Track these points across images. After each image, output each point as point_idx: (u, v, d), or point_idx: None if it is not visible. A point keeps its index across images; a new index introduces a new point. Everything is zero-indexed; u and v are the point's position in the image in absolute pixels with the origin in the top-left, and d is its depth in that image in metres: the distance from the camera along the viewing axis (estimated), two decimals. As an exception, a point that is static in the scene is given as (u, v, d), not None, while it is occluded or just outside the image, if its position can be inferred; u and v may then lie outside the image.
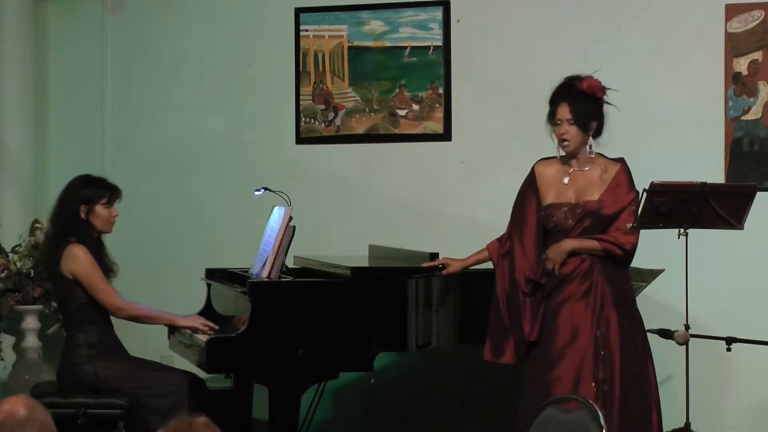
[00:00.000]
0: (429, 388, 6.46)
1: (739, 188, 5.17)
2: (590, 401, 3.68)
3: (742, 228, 4.96)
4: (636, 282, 5.34)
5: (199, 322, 5.33)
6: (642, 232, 4.95)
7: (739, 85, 6.13)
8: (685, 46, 6.21)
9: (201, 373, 5.27)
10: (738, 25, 6.13)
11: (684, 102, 6.21)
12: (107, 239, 5.51)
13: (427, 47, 6.61)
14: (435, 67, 6.59)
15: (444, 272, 5.15)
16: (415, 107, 6.63)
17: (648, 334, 5.01)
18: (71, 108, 7.22)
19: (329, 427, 6.52)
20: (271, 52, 6.87)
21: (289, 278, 5.32)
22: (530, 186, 5.10)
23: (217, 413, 3.09)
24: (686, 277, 4.93)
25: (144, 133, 7.08)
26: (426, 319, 5.10)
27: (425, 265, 5.15)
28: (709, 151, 6.15)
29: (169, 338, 5.70)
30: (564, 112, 4.96)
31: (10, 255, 6.59)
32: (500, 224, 5.21)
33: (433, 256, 5.21)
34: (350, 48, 6.73)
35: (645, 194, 4.77)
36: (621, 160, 5.06)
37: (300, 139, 6.82)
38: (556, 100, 5.00)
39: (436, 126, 6.60)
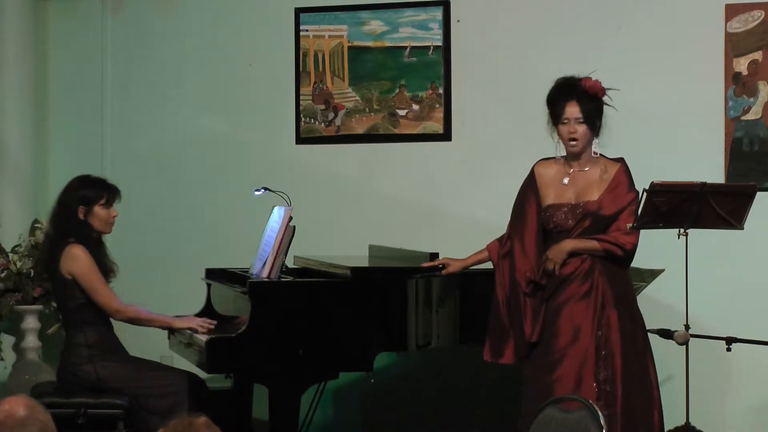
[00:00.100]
0: (429, 388, 6.47)
1: (739, 188, 5.17)
2: (590, 401, 3.68)
3: (742, 228, 4.96)
4: (636, 282, 5.34)
5: (196, 323, 5.32)
6: (642, 232, 4.95)
7: (739, 85, 6.13)
8: (685, 46, 6.21)
9: (201, 373, 5.27)
10: (738, 25, 6.13)
11: (684, 102, 6.21)
12: (107, 239, 5.51)
13: (427, 47, 6.61)
14: (435, 67, 6.59)
15: (444, 272, 5.15)
16: (415, 107, 6.63)
17: (648, 334, 5.02)
18: (71, 108, 7.22)
19: (329, 427, 6.52)
20: (271, 52, 6.87)
21: (289, 278, 5.32)
22: (530, 187, 5.09)
23: (217, 413, 3.09)
24: (686, 277, 4.93)
25: (144, 132, 7.08)
26: (426, 319, 5.10)
27: (425, 265, 5.15)
28: (709, 151, 6.15)
29: (169, 338, 5.70)
30: (573, 111, 4.96)
31: (10, 255, 6.59)
32: (500, 224, 5.21)
33: (433, 256, 5.21)
34: (350, 48, 6.73)
35: (645, 194, 4.77)
36: (621, 160, 5.06)
37: (300, 139, 6.82)
38: (562, 99, 4.98)
39: (436, 126, 6.60)
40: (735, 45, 6.14)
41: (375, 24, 6.69)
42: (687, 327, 5.02)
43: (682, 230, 4.91)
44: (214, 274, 5.87)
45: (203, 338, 5.08)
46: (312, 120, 6.79)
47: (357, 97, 6.72)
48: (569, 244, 4.94)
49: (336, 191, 6.76)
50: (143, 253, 6.92)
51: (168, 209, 7.01)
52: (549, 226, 5.03)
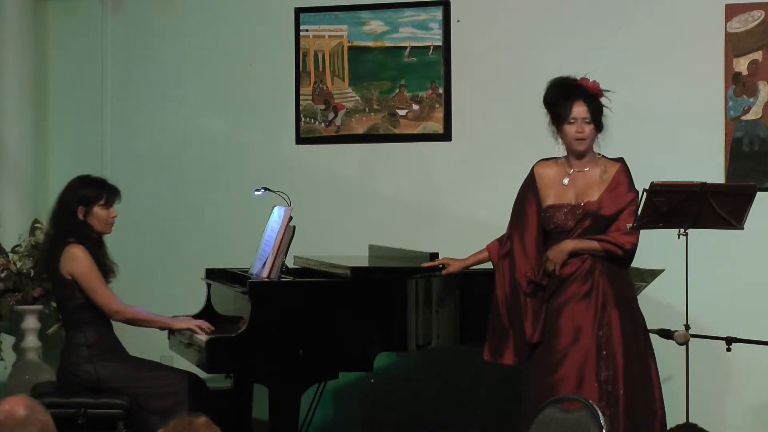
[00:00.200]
0: (429, 388, 6.46)
1: (739, 188, 5.17)
2: (590, 401, 3.68)
3: (742, 228, 4.95)
4: (636, 282, 5.34)
5: (194, 324, 5.32)
6: (642, 232, 4.95)
7: (739, 85, 6.13)
8: (685, 46, 6.21)
9: (201, 373, 5.27)
10: (738, 25, 6.13)
11: (684, 102, 6.20)
12: (107, 239, 5.51)
13: (427, 47, 6.61)
14: (435, 67, 6.59)
15: (444, 272, 5.15)
16: (415, 107, 6.63)
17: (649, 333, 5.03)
18: (71, 108, 7.22)
19: (329, 427, 6.52)
20: (271, 52, 6.87)
21: (289, 278, 5.32)
22: (530, 187, 5.09)
23: (217, 413, 3.09)
24: (686, 277, 4.93)
25: (144, 133, 7.08)
26: (426, 319, 5.10)
27: (425, 265, 5.15)
28: (709, 151, 6.15)
29: (169, 338, 5.70)
30: (582, 110, 4.97)
31: (10, 255, 6.59)
32: (500, 224, 5.21)
33: (433, 256, 5.21)
34: (350, 48, 6.73)
35: (645, 194, 4.77)
36: (621, 160, 5.06)
37: (300, 139, 6.82)
38: (568, 99, 4.98)
39: (436, 126, 6.60)
40: (735, 45, 6.14)
41: (375, 24, 6.69)
42: (687, 327, 5.02)
43: (682, 230, 4.91)
44: (214, 274, 5.86)
45: (203, 338, 5.08)
46: (312, 120, 6.79)
47: (357, 97, 6.72)
48: (569, 245, 4.94)
49: (336, 191, 6.76)
50: (143, 253, 6.92)
51: (168, 209, 7.01)
52: (549, 226, 5.03)
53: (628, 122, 5.86)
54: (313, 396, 5.86)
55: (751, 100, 6.12)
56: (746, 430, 6.12)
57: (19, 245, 6.63)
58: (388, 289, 5.02)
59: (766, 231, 5.86)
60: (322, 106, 6.77)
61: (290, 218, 5.29)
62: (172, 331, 5.57)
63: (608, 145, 5.08)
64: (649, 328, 5.04)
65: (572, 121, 4.98)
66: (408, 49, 6.64)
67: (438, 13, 6.57)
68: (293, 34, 6.81)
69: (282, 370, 4.93)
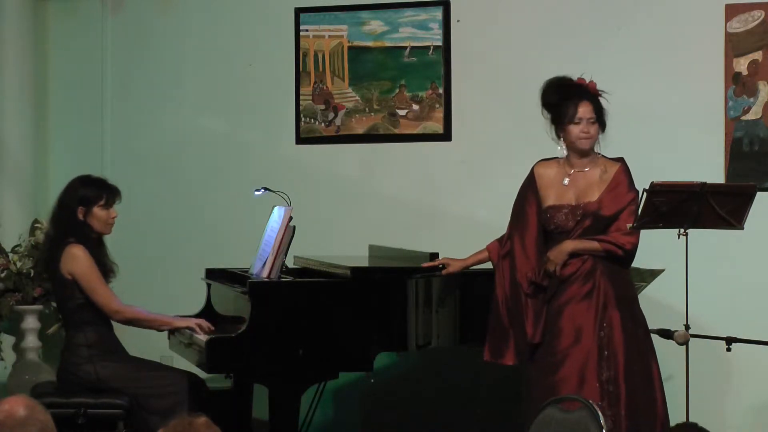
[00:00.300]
0: (429, 388, 6.46)
1: (739, 188, 5.17)
2: (590, 401, 3.68)
3: (742, 228, 4.96)
4: (636, 282, 5.34)
5: (194, 322, 5.32)
6: (642, 232, 4.95)
7: (739, 85, 6.13)
8: (685, 46, 6.21)
9: (201, 373, 5.27)
10: (738, 25, 6.13)
11: (684, 102, 6.20)
12: (107, 239, 5.51)
13: (427, 47, 6.61)
14: (435, 67, 6.59)
15: (444, 272, 5.15)
16: (415, 107, 6.63)
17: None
18: (71, 108, 7.22)
19: (329, 427, 6.52)
20: (271, 52, 6.87)
21: (289, 278, 5.32)
22: (530, 187, 5.09)
23: (217, 413, 3.09)
24: (686, 277, 4.93)
25: (144, 132, 7.08)
26: (426, 319, 5.10)
27: (425, 265, 5.15)
28: (709, 151, 6.15)
29: (169, 338, 5.70)
30: (587, 111, 4.97)
31: (10, 255, 6.59)
32: (500, 224, 5.21)
33: (433, 256, 5.21)
34: (350, 48, 6.73)
35: (645, 194, 4.77)
36: (621, 160, 5.06)
37: (300, 139, 6.82)
38: (573, 99, 4.98)
39: (436, 126, 6.60)
40: (735, 45, 6.14)
41: (375, 24, 6.69)
42: (687, 327, 5.02)
43: (682, 230, 4.91)
44: (214, 274, 5.86)
45: (203, 338, 5.08)
46: (312, 120, 6.79)
47: (357, 97, 6.72)
48: (570, 245, 4.94)
49: (336, 191, 6.76)
50: (143, 253, 6.92)
51: (168, 209, 7.01)
52: (550, 227, 5.03)
53: (628, 122, 5.87)
54: (313, 396, 5.86)
55: (751, 100, 6.12)
56: (746, 430, 6.12)
57: (19, 245, 6.63)
58: (388, 289, 5.02)
59: (766, 231, 5.86)
60: (322, 106, 6.78)
61: (290, 218, 5.29)
62: (172, 331, 5.57)
63: (608, 145, 5.08)
64: (649, 328, 5.03)
65: (578, 121, 4.98)
66: (408, 49, 6.64)
67: (438, 13, 6.57)
68: (293, 34, 6.81)
69: (282, 370, 4.93)
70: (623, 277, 5.01)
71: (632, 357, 4.88)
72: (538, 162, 5.14)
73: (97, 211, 5.35)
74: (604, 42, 6.31)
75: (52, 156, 7.21)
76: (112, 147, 7.11)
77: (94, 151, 7.08)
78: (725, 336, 5.12)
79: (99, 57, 7.12)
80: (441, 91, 6.57)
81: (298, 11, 6.80)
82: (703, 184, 4.88)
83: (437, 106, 6.59)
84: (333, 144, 6.76)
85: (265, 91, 6.87)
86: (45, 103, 7.18)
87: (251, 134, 6.91)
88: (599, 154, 5.06)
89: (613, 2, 6.37)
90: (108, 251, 5.46)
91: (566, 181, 5.04)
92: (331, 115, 6.76)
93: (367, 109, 6.71)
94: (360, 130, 6.73)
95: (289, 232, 5.28)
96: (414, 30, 6.62)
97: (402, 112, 6.66)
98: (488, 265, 5.16)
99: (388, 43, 6.67)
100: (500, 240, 5.12)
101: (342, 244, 6.43)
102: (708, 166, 6.05)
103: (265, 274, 5.24)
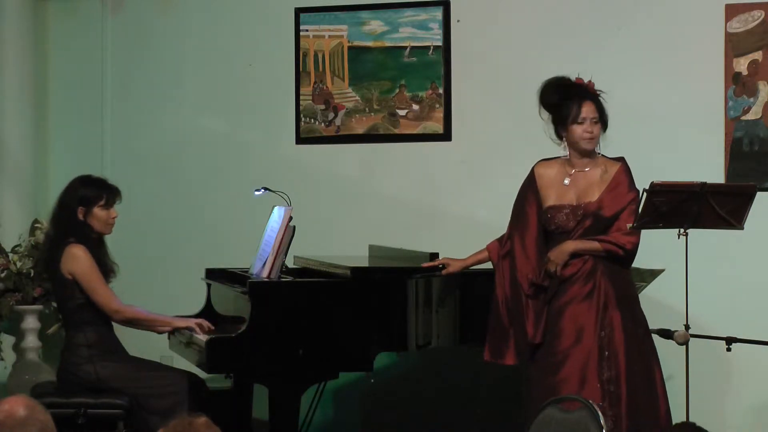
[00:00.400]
0: (429, 388, 6.46)
1: (739, 188, 5.17)
2: (590, 401, 3.68)
3: (742, 228, 4.95)
4: (636, 282, 5.34)
5: (194, 322, 5.32)
6: (642, 232, 4.95)
7: (739, 85, 6.13)
8: (685, 46, 6.21)
9: (201, 373, 5.27)
10: (738, 25, 6.13)
11: (684, 102, 6.20)
12: (107, 239, 5.50)
13: (427, 47, 6.61)
14: (435, 67, 6.59)
15: (444, 272, 5.15)
16: (415, 107, 6.63)
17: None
18: (71, 108, 7.22)
19: (329, 427, 6.52)
20: (271, 52, 6.87)
21: (289, 278, 5.32)
22: (530, 188, 5.09)
23: (217, 413, 3.09)
24: (686, 277, 4.93)
25: (144, 132, 7.08)
26: (426, 319, 5.10)
27: (425, 265, 5.15)
28: (709, 151, 6.15)
29: (169, 338, 5.70)
30: (591, 110, 4.98)
31: (10, 255, 6.59)
32: (500, 224, 5.21)
33: (433, 256, 5.21)
34: (350, 48, 6.73)
35: (645, 194, 4.77)
36: (621, 160, 5.06)
37: (300, 139, 6.82)
38: (576, 99, 4.98)
39: (436, 126, 6.60)
40: (735, 45, 6.14)
41: (375, 24, 6.69)
42: (687, 327, 5.01)
43: (682, 230, 4.91)
44: (214, 274, 5.86)
45: (203, 338, 5.08)
46: (312, 120, 6.79)
47: (357, 97, 6.72)
48: (570, 246, 4.94)
49: (336, 191, 6.76)
50: (143, 253, 6.92)
51: (168, 209, 7.01)
52: (550, 227, 5.02)
53: (628, 122, 5.87)
54: (313, 396, 5.86)
55: (751, 100, 6.12)
56: (746, 430, 6.12)
57: (19, 245, 6.63)
58: (388, 289, 5.02)
59: (766, 231, 5.86)
60: (322, 106, 6.77)
61: (290, 218, 5.29)
62: (172, 331, 5.57)
63: (608, 145, 5.08)
64: (649, 328, 5.03)
65: (581, 121, 4.98)
66: (408, 49, 6.64)
67: (438, 13, 6.57)
68: (293, 34, 6.81)
69: (282, 370, 4.93)
70: (624, 277, 5.01)
71: (633, 357, 4.88)
72: (538, 162, 5.14)
73: (98, 211, 5.35)
74: (604, 42, 6.31)
75: (52, 156, 7.21)
76: (112, 147, 7.11)
77: (94, 151, 7.07)
78: (725, 336, 5.12)
79: (99, 57, 7.12)
80: (441, 91, 6.57)
81: (298, 11, 6.80)
82: (703, 184, 4.88)
83: (437, 106, 6.59)
84: (333, 144, 6.76)
85: (265, 91, 6.87)
86: (45, 103, 7.18)
87: (251, 134, 6.91)
88: (600, 154, 5.07)
89: (613, 2, 6.37)
90: (108, 251, 5.46)
91: (567, 181, 5.04)
92: (331, 115, 6.76)
93: (367, 109, 6.71)
94: (360, 130, 6.73)
95: (289, 232, 5.28)
96: (414, 30, 6.62)
97: (402, 112, 6.66)
98: (488, 265, 5.16)
99: (388, 43, 6.67)
100: (500, 240, 5.12)
101: (342, 244, 6.43)
102: (708, 166, 6.05)
103: (265, 274, 5.24)
